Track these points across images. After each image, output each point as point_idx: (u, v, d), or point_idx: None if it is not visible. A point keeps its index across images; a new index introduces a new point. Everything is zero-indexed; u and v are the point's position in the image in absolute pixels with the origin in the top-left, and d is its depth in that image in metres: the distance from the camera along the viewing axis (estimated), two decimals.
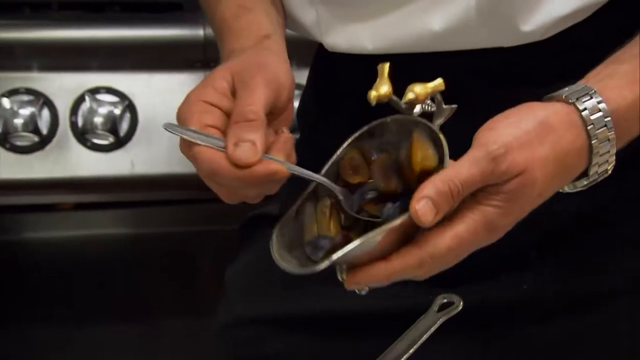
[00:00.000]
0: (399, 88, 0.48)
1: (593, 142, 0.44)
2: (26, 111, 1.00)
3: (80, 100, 1.00)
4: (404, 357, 0.50)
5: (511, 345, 0.58)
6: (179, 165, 0.98)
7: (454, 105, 0.44)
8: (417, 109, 0.44)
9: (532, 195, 0.43)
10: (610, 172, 0.46)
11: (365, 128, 0.46)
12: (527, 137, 0.42)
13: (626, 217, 0.57)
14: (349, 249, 0.39)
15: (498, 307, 0.57)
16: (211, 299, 0.68)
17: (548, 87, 0.51)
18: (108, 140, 1.00)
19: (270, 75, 0.45)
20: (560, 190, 0.46)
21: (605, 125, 0.43)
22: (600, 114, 0.43)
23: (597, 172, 0.45)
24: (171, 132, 0.43)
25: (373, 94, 0.44)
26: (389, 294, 0.57)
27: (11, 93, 1.00)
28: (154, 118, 1.00)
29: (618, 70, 0.46)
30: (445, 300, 0.51)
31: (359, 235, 0.41)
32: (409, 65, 0.53)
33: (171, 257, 1.05)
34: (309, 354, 0.60)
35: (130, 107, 1.00)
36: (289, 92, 0.47)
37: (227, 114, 0.44)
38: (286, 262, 0.42)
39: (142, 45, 1.04)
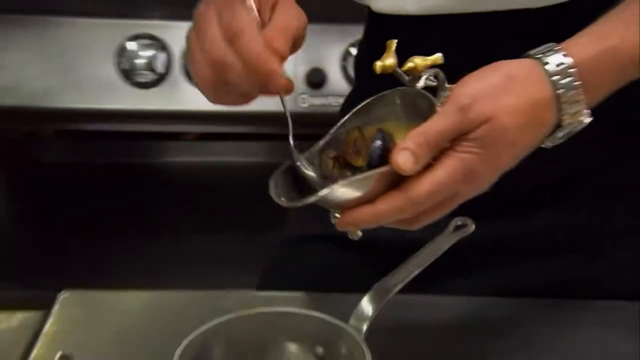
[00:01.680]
0: (436, 47, 0.50)
1: (559, 91, 0.45)
2: (147, 53, 1.16)
3: None
4: (417, 271, 0.55)
5: (520, 276, 0.65)
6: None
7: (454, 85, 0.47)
8: (421, 82, 0.47)
9: (504, 142, 0.45)
10: (586, 122, 0.47)
11: (370, 99, 0.49)
12: (492, 89, 0.45)
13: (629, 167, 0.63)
14: (335, 187, 0.43)
15: (512, 240, 0.64)
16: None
17: None
18: None
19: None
20: (543, 145, 0.48)
21: (570, 76, 0.45)
22: (564, 65, 0.45)
23: (570, 122, 0.46)
24: None
25: (379, 64, 0.47)
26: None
27: (135, 38, 1.17)
28: None
29: (587, 32, 0.48)
30: (459, 223, 0.56)
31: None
32: (448, 26, 0.59)
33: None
34: (354, 269, 0.68)
35: None
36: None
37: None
38: (280, 197, 0.46)
39: None
